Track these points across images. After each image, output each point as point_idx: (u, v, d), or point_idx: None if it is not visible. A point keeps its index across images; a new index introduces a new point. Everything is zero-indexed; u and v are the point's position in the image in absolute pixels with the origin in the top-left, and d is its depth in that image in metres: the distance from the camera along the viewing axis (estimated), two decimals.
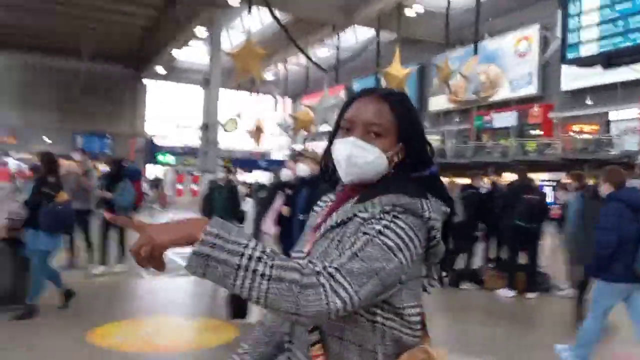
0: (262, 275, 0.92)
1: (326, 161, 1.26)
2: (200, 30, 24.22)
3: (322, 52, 29.34)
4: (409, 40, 24.64)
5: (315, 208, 1.31)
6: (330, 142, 1.22)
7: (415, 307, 1.12)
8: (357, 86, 30.45)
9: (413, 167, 1.18)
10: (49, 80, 32.60)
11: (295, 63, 31.06)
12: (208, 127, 22.63)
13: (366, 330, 1.08)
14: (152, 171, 32.17)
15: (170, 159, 34.05)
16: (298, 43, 17.10)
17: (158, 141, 34.82)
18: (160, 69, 32.39)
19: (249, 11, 15.88)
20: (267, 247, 0.97)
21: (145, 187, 16.23)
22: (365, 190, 1.15)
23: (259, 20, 24.34)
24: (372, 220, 1.06)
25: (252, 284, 0.92)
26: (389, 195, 1.08)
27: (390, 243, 1.02)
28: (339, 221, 1.14)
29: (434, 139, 27.29)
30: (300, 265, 0.95)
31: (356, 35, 27.89)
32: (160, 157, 33.89)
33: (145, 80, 36.64)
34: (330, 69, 21.68)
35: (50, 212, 5.06)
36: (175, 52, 28.85)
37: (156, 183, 25.37)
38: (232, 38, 27.88)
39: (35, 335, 4.57)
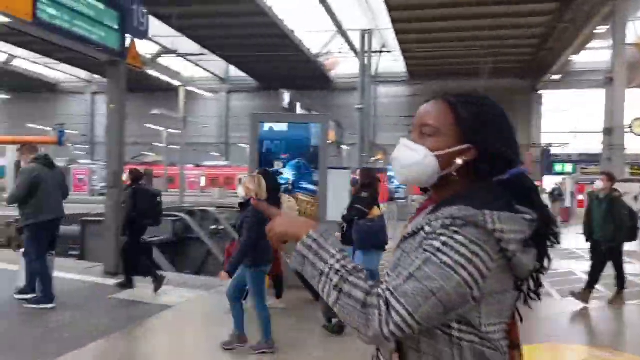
0: (335, 286, 1.01)
1: None
2: (600, 28, 22.49)
3: None
4: None
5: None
6: None
7: (498, 323, 1.07)
8: None
9: (492, 170, 1.11)
10: None
11: None
12: (612, 131, 20.68)
13: (443, 344, 1.05)
14: (549, 182, 31.39)
15: (568, 168, 32.54)
16: None
17: (555, 150, 33.81)
18: (554, 77, 31.48)
19: None
20: (351, 263, 1.04)
21: (545, 199, 15.98)
22: (442, 199, 1.11)
23: None
24: (432, 236, 1.02)
25: (328, 291, 1.02)
26: (452, 207, 1.03)
27: (449, 261, 0.98)
28: (410, 232, 1.11)
29: None
30: (369, 287, 1.00)
31: None
32: (557, 167, 32.83)
33: (540, 90, 36.26)
34: None
35: (362, 229, 5.13)
36: (572, 56, 27.56)
37: (557, 195, 24.43)
38: (637, 29, 24.70)
39: None
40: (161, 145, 29.11)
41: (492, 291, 1.04)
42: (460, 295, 1.00)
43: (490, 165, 1.12)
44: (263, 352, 4.45)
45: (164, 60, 31.57)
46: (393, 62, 32.40)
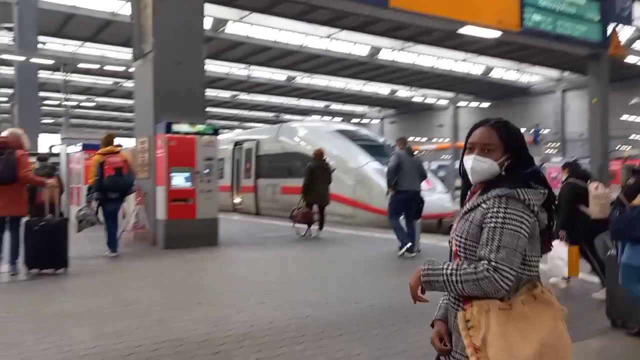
0: (456, 282, 1.69)
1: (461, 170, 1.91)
2: None
3: None
4: None
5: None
6: (462, 158, 1.91)
7: (536, 256, 1.77)
8: None
9: (520, 168, 1.81)
10: None
11: None
12: None
13: None
14: None
15: None
16: None
17: None
18: None
19: None
20: (453, 263, 1.75)
21: None
22: (486, 185, 1.82)
23: None
24: (491, 210, 1.71)
25: (454, 287, 1.70)
26: (497, 189, 1.74)
27: (515, 227, 1.67)
28: (470, 207, 1.82)
29: None
30: (474, 268, 1.66)
31: None
32: None
33: None
34: None
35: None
36: None
37: None
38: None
39: None
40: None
41: (533, 236, 1.73)
42: (525, 244, 1.68)
43: (518, 164, 1.80)
44: None
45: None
46: None
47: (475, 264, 1.66)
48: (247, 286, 6.25)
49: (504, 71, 39.98)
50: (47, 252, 6.95)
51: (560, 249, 5.94)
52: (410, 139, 42.12)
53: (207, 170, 9.42)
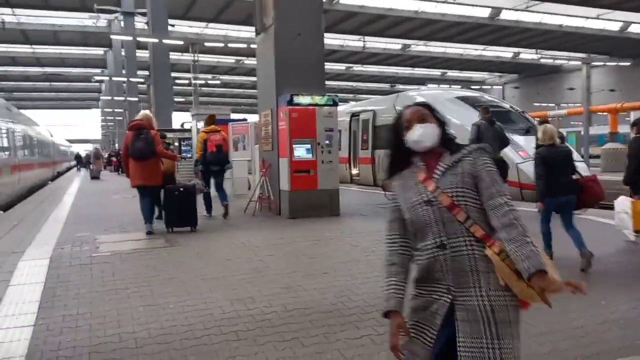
0: (528, 237, 1.84)
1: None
2: None
3: None
4: None
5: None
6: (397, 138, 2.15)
7: None
8: None
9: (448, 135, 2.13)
10: None
11: None
12: None
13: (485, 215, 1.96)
14: None
15: None
16: None
17: None
18: None
19: None
20: (511, 233, 1.86)
21: None
22: (445, 151, 2.08)
23: None
24: (480, 159, 2.00)
25: (530, 243, 1.83)
26: (464, 149, 2.05)
27: (495, 169, 1.98)
28: (451, 164, 2.01)
29: None
30: (511, 218, 1.88)
31: None
32: None
33: None
34: None
35: None
36: None
37: None
38: None
39: None
40: None
41: None
42: None
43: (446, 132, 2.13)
44: None
45: None
46: None
47: (507, 220, 1.87)
48: (370, 257, 6.21)
49: None
50: (183, 214, 8.21)
51: (625, 203, 6.67)
52: (537, 104, 39.46)
53: (327, 142, 9.48)
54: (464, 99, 14.42)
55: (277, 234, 7.91)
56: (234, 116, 17.55)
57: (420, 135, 2.05)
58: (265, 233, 8.11)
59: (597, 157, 26.13)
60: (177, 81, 33.26)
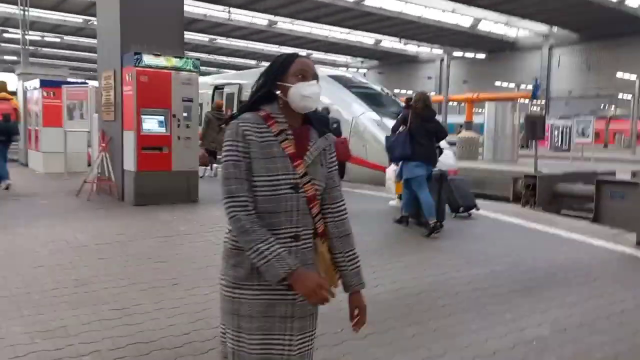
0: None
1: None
2: None
3: None
4: None
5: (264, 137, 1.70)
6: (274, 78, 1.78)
7: None
8: None
9: None
10: None
11: None
12: None
13: None
14: None
15: None
16: None
17: None
18: None
19: None
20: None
21: None
22: (310, 128, 1.78)
23: None
24: (333, 155, 1.82)
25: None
26: (329, 135, 1.82)
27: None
28: (321, 150, 1.76)
29: None
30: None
31: None
32: None
33: None
34: None
35: None
36: None
37: None
38: None
39: None
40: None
41: None
42: None
43: None
44: None
45: None
46: None
47: (344, 229, 1.81)
48: None
49: (492, 24, 39.26)
50: None
51: (390, 172, 7.53)
52: (397, 91, 41.23)
53: (185, 114, 7.93)
54: (336, 78, 13.65)
55: (116, 228, 6.26)
56: (74, 80, 14.98)
57: (313, 93, 1.73)
58: (100, 226, 6.41)
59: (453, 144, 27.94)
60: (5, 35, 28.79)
